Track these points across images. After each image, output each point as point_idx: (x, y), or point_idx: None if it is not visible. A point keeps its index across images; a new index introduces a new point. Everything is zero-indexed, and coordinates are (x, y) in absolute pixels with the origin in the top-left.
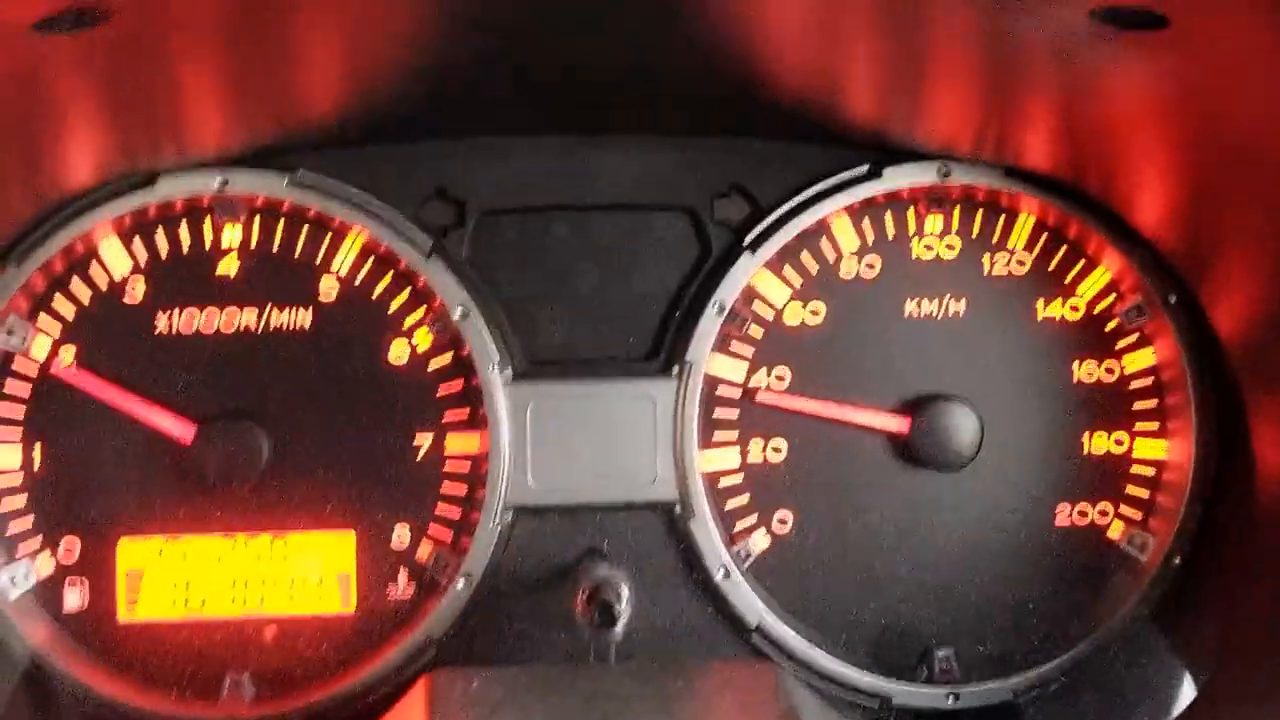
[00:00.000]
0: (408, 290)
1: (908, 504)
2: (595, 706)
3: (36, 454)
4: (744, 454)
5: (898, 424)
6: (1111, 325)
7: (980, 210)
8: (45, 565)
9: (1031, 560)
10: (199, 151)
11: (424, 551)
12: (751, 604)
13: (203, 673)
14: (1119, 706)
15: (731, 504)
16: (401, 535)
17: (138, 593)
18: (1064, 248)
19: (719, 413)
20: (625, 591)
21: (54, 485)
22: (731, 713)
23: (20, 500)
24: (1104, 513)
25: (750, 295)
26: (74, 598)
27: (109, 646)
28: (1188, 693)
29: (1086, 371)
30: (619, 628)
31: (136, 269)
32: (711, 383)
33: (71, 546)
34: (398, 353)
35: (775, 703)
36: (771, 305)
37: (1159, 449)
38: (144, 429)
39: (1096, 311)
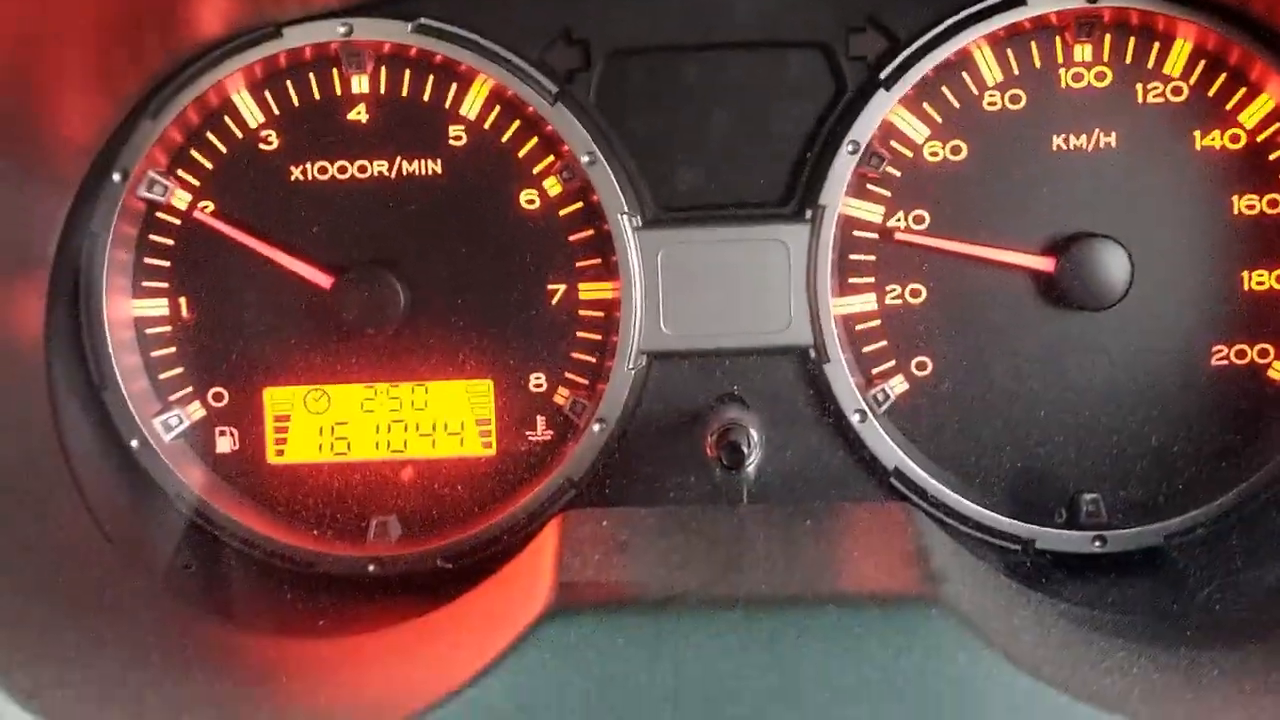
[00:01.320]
0: (536, 137)
1: (1053, 346)
2: (720, 547)
3: (183, 305)
4: (881, 298)
5: (1043, 263)
6: (1275, 155)
7: (1133, 37)
8: (196, 411)
9: (1183, 402)
10: (323, 1)
11: (561, 396)
12: (888, 447)
13: (350, 514)
14: (1270, 553)
15: (869, 348)
16: (539, 381)
17: (285, 436)
18: (1224, 74)
19: (855, 256)
20: (754, 434)
21: (201, 336)
22: (859, 553)
23: (170, 350)
24: (1264, 353)
25: (888, 134)
26: (225, 442)
27: (261, 487)
28: None
29: (1247, 204)
30: (751, 470)
31: (270, 120)
32: (847, 225)
33: (220, 395)
34: (528, 200)
35: (906, 543)
36: (910, 144)
37: None
38: (284, 279)
39: (1259, 140)
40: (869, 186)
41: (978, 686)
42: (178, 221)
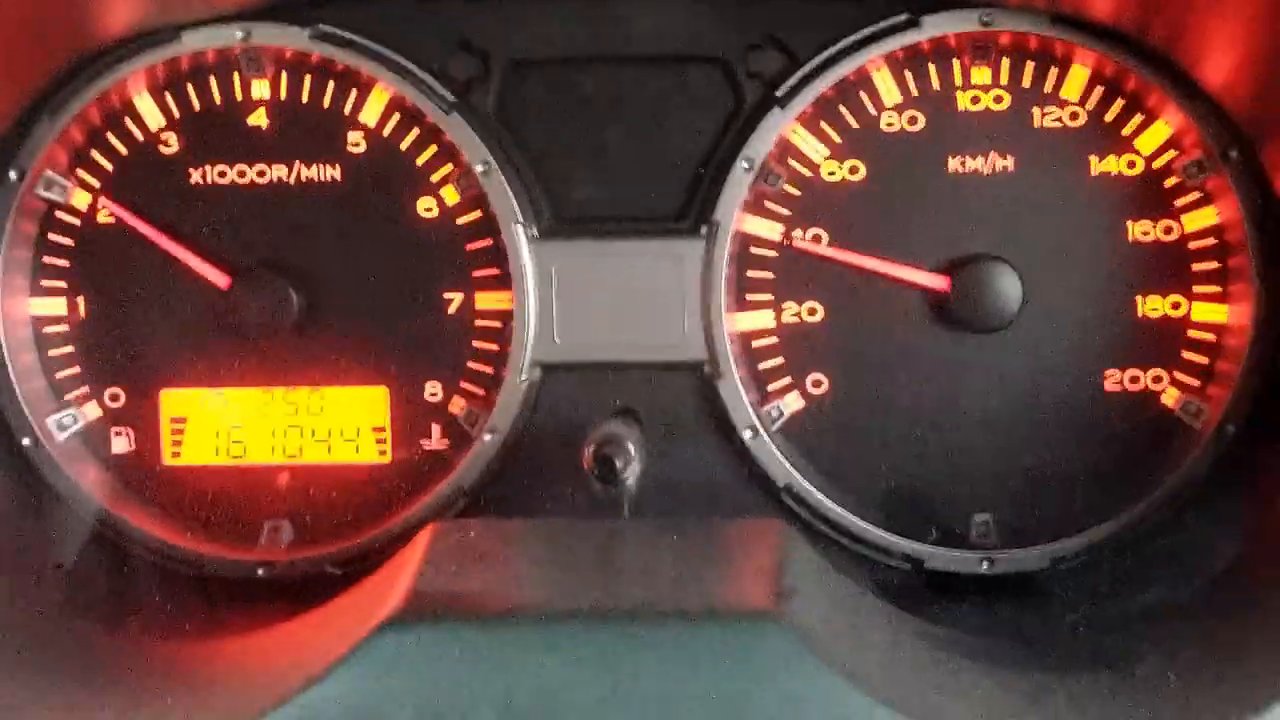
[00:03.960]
0: (434, 145)
1: (946, 367)
2: (580, 561)
3: (82, 304)
4: (778, 315)
5: (938, 283)
6: (1171, 182)
7: (1030, 61)
8: (92, 411)
9: (1076, 426)
10: (221, 3)
11: (457, 406)
12: (780, 464)
13: (243, 517)
14: (1140, 581)
15: (764, 365)
16: (434, 390)
17: (181, 438)
18: (1121, 101)
19: (753, 273)
20: (631, 448)
21: (98, 335)
22: (716, 569)
23: (66, 349)
24: (1157, 379)
25: (785, 152)
26: (120, 443)
27: (155, 489)
28: (1218, 566)
29: (1142, 230)
30: (631, 484)
31: (170, 123)
32: (745, 242)
33: (117, 394)
34: (426, 208)
35: (764, 558)
36: (809, 163)
37: (1219, 313)
38: (183, 281)
39: (1155, 167)
40: (767, 204)
41: (813, 704)
42: (77, 221)
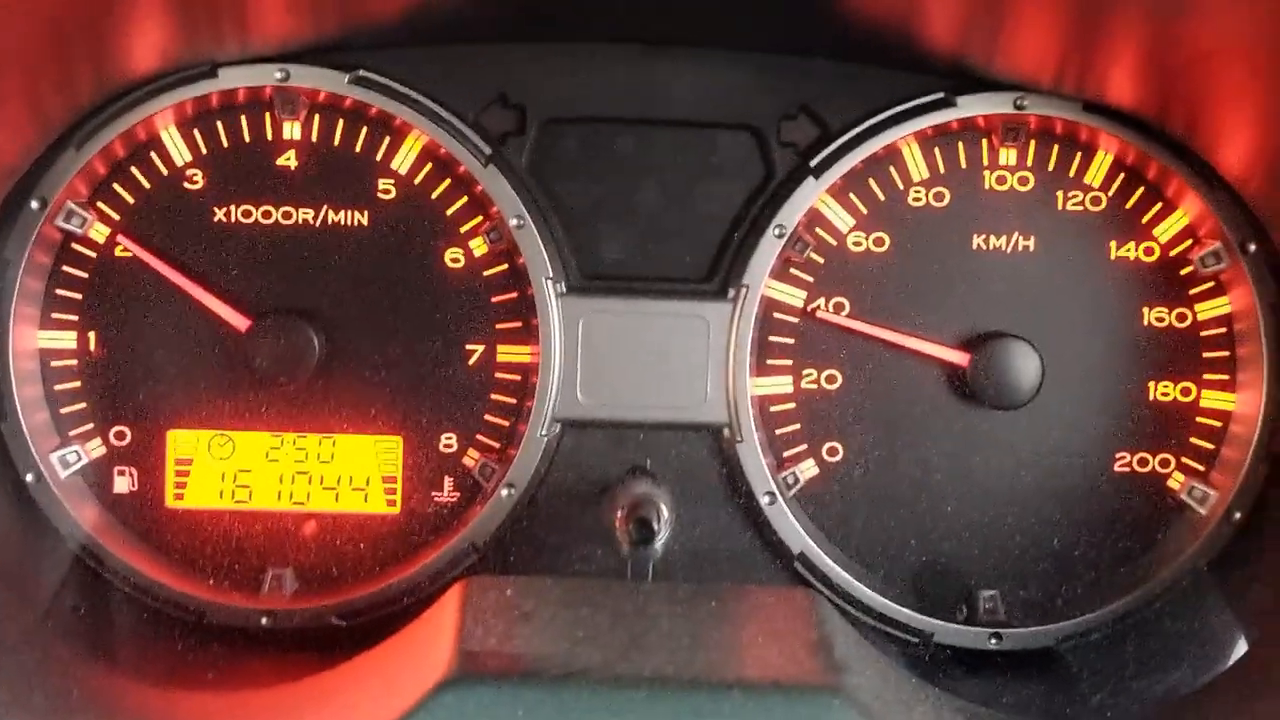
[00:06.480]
0: (465, 197)
1: (961, 441)
2: (623, 623)
3: (92, 340)
4: (798, 381)
5: (957, 358)
6: (1186, 270)
7: (1056, 145)
8: (96, 449)
9: (1085, 506)
10: (261, 44)
11: (471, 459)
12: (795, 531)
13: (246, 564)
14: (1163, 660)
15: (782, 430)
16: (449, 442)
17: (186, 481)
18: (1141, 188)
19: (775, 338)
20: (665, 510)
21: (108, 372)
22: (761, 638)
23: (74, 385)
24: (1165, 462)
25: (813, 221)
26: (124, 482)
27: (156, 531)
28: (1234, 652)
29: (1157, 316)
30: (657, 546)
31: (197, 159)
32: (768, 307)
33: (123, 433)
34: (453, 259)
35: (808, 630)
36: (835, 232)
37: (1227, 401)
38: (199, 321)
39: (1172, 255)
40: (792, 270)
41: None
42: (93, 255)
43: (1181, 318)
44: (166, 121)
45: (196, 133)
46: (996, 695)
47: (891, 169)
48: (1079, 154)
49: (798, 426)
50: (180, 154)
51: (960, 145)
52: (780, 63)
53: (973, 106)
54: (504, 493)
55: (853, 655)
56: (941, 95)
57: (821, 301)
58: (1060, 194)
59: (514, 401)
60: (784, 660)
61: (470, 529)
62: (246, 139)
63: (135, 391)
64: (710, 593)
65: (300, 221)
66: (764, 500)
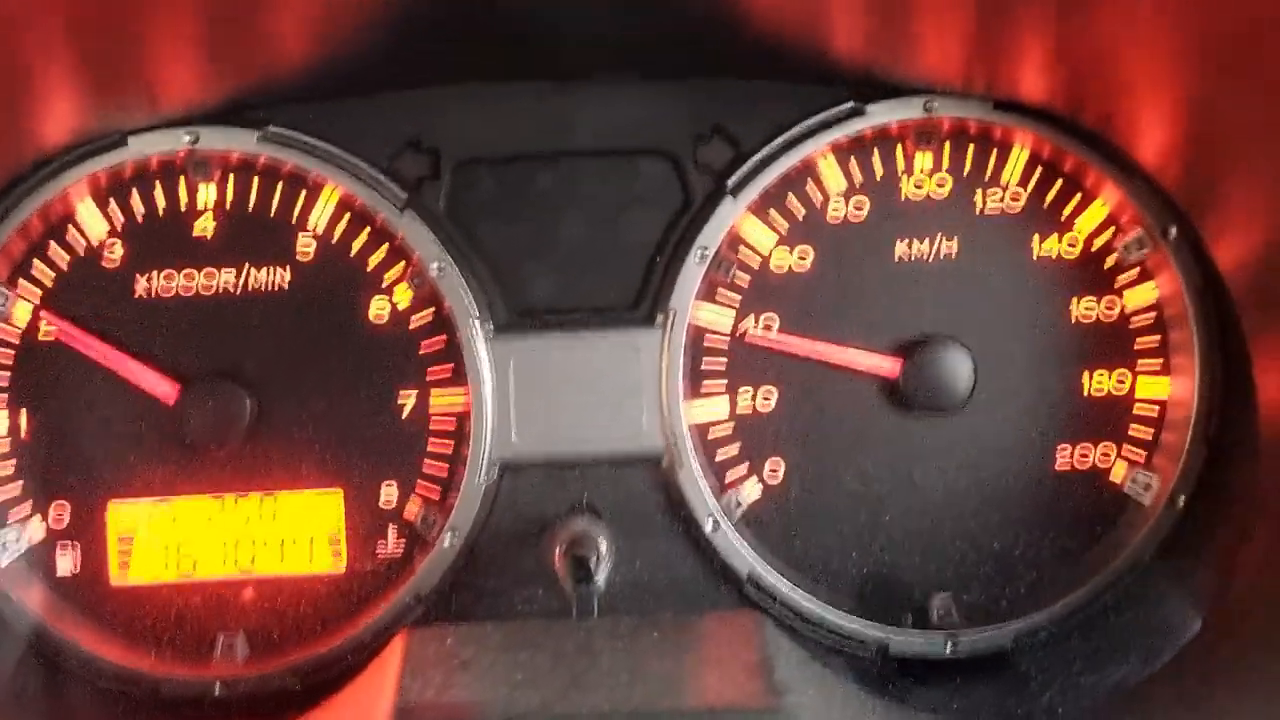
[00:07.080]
0: (385, 246)
1: (900, 450)
2: (564, 663)
3: (23, 421)
4: (733, 403)
5: (889, 366)
6: (1111, 261)
7: (971, 145)
8: (36, 531)
9: (1029, 504)
10: (169, 108)
11: (412, 509)
12: (742, 554)
13: (196, 633)
14: (1110, 653)
15: (721, 454)
16: (389, 493)
17: (129, 556)
18: (1059, 182)
19: (707, 362)
20: (603, 547)
21: (41, 451)
22: (702, 665)
23: (8, 467)
24: (1106, 454)
25: (735, 241)
26: (66, 562)
27: (103, 609)
28: (1183, 638)
29: (1085, 309)
30: (600, 581)
31: (114, 231)
32: (698, 332)
33: (61, 512)
34: (378, 310)
35: (751, 653)
36: (757, 251)
37: (1162, 387)
38: (128, 393)
39: (1095, 247)
40: (719, 292)
41: None
42: (18, 333)
43: (1110, 307)
44: (81, 194)
45: (112, 202)
46: (947, 702)
47: (809, 183)
48: (994, 153)
49: (737, 448)
50: (97, 227)
51: (875, 154)
52: (690, 86)
53: (883, 114)
54: (446, 541)
55: (794, 676)
56: (851, 105)
57: (751, 320)
58: (979, 194)
59: (451, 448)
60: (723, 685)
61: (414, 580)
62: (162, 207)
63: (71, 468)
64: (653, 624)
65: (222, 285)
66: (708, 526)
